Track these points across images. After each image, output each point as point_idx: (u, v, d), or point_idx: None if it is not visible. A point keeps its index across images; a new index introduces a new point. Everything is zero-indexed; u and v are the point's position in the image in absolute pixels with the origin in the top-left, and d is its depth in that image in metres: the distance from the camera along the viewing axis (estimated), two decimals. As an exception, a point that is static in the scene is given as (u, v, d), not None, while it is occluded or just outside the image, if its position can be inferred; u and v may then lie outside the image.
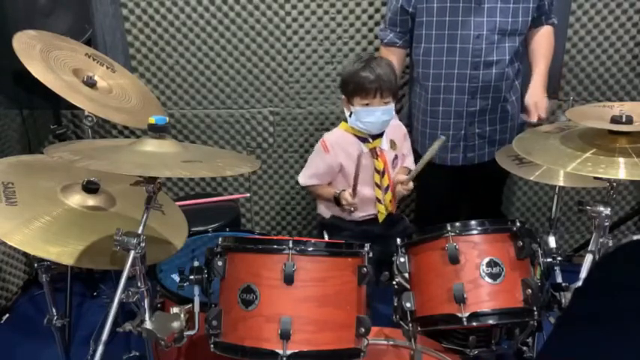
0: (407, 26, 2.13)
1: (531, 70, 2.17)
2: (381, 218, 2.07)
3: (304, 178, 2.12)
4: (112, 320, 1.23)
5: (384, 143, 2.04)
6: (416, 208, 2.61)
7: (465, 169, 2.23)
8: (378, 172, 2.03)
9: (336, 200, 2.02)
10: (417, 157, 2.35)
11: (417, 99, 2.23)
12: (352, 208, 1.99)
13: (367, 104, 1.93)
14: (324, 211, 2.15)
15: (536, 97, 2.11)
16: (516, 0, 2.01)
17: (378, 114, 1.93)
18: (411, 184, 2.04)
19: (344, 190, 1.99)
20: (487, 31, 2.01)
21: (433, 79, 2.12)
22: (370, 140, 2.01)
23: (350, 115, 1.99)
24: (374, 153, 2.02)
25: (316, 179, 2.09)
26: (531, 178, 1.77)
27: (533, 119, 2.08)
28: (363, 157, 2.00)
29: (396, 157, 2.10)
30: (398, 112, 2.33)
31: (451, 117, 2.14)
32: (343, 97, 2.02)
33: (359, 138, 2.02)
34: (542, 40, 2.16)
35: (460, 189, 2.37)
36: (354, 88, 1.94)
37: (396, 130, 2.14)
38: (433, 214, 2.27)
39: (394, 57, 2.18)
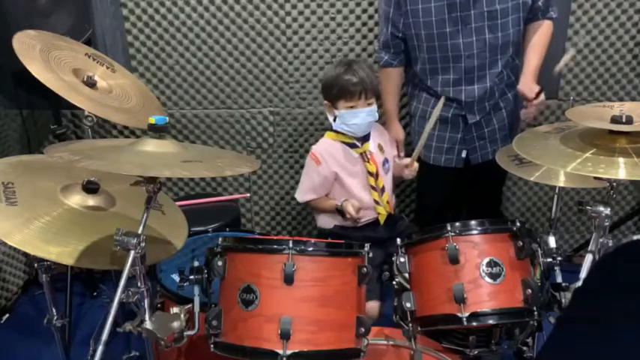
0: (400, 48, 2.15)
1: (524, 64, 2.13)
2: (382, 220, 2.07)
3: (301, 195, 2.12)
4: (112, 320, 1.23)
5: (372, 146, 2.05)
6: (416, 210, 2.61)
7: (466, 170, 2.23)
8: (371, 174, 2.03)
9: (339, 212, 2.02)
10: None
11: (414, 101, 2.23)
12: (357, 221, 2.00)
13: (352, 107, 1.94)
14: (326, 222, 2.13)
15: (527, 83, 2.07)
16: (504, 14, 1.97)
17: (362, 115, 1.95)
18: (415, 165, 2.05)
19: (346, 201, 1.99)
20: (477, 50, 2.01)
21: (430, 94, 2.15)
22: (359, 145, 2.02)
23: (334, 120, 2.00)
24: (364, 157, 2.03)
25: (313, 193, 2.09)
26: (531, 179, 1.77)
27: (531, 96, 2.01)
28: (354, 162, 2.02)
29: (386, 160, 2.10)
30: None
31: (447, 130, 2.16)
32: (325, 102, 2.03)
33: (347, 144, 2.02)
34: (538, 35, 2.11)
35: (460, 190, 2.36)
36: (338, 91, 1.95)
37: (382, 133, 2.15)
38: (433, 216, 2.27)
39: (393, 77, 2.20)
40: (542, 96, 2.03)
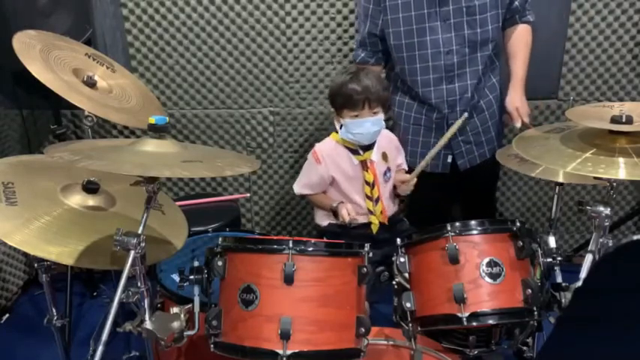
0: (377, 47, 2.13)
1: (509, 73, 2.14)
2: (374, 229, 2.05)
3: (298, 187, 2.13)
4: (112, 320, 1.23)
5: (374, 155, 2.04)
6: (407, 215, 2.60)
7: (456, 176, 2.22)
8: (368, 184, 2.03)
9: (333, 212, 2.02)
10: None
11: (396, 106, 2.22)
12: (349, 224, 1.99)
13: (356, 116, 1.93)
14: (322, 219, 2.14)
15: (516, 102, 2.10)
16: (482, 10, 1.97)
17: (367, 125, 1.93)
18: (413, 182, 2.04)
19: (342, 203, 1.99)
20: (457, 46, 2.01)
21: (412, 98, 2.14)
22: (361, 152, 2.01)
23: (340, 128, 1.99)
24: (364, 165, 2.02)
25: (309, 189, 2.10)
26: (533, 175, 1.76)
27: (518, 125, 2.07)
28: (354, 169, 2.02)
29: (388, 169, 2.09)
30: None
31: (431, 136, 2.15)
32: (332, 110, 2.02)
33: (350, 150, 2.02)
34: (519, 41, 2.12)
35: (450, 196, 2.36)
36: (342, 100, 1.94)
37: (388, 142, 2.13)
38: (423, 221, 2.26)
39: None
40: (527, 119, 2.07)
